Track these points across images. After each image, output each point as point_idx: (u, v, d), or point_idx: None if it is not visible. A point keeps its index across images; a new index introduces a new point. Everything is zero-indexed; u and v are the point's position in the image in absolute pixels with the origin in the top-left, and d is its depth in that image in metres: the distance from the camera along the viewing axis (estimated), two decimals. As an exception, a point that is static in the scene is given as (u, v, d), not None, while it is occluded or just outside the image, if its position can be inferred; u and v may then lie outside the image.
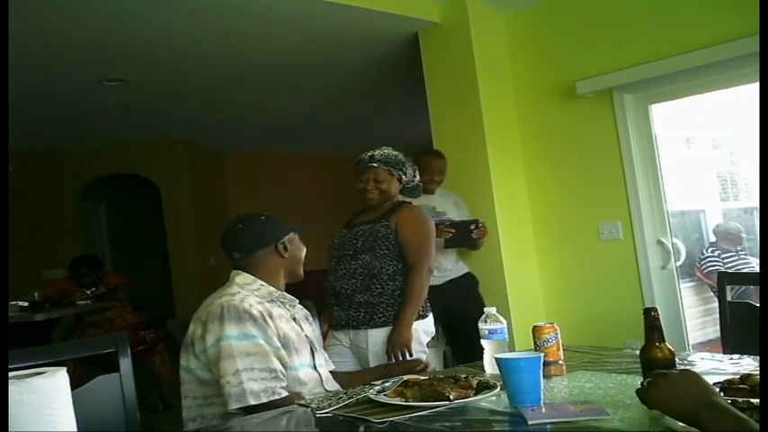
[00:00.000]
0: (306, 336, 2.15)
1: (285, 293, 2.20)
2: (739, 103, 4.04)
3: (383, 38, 4.62)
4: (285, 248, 2.20)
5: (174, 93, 5.74)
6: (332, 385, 2.13)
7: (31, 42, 4.18)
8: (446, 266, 3.81)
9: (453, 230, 3.67)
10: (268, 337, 1.94)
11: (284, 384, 1.91)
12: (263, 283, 2.13)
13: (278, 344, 1.96)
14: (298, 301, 2.25)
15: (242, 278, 2.13)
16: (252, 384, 1.84)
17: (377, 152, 2.94)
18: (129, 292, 5.58)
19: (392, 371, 2.35)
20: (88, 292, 5.47)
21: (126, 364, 1.81)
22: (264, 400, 1.85)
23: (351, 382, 2.34)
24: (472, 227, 3.70)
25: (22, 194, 7.30)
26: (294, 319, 2.14)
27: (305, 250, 2.30)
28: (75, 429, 1.22)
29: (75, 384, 1.25)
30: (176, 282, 7.61)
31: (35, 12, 3.77)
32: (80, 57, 4.57)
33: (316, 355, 2.15)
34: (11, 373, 1.21)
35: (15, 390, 1.14)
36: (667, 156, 4.07)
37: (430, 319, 2.94)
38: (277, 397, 1.87)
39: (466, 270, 3.91)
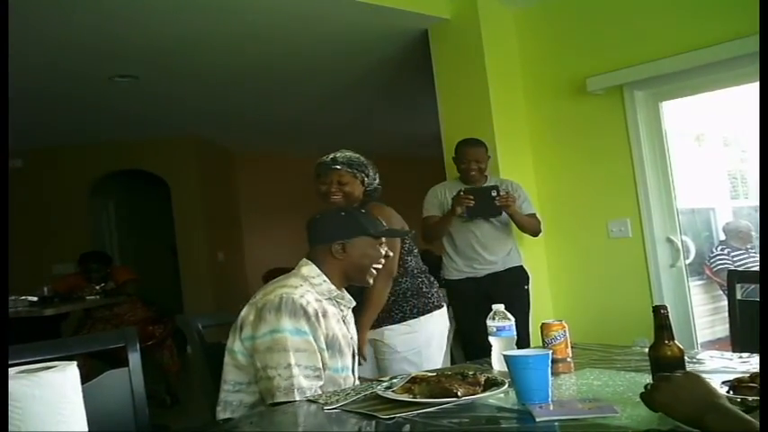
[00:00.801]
0: (351, 338, 2.13)
1: (344, 293, 2.11)
2: (750, 100, 4.01)
3: (393, 35, 4.61)
4: (343, 250, 2.07)
5: (184, 90, 5.75)
6: None
7: (43, 39, 4.20)
8: (488, 258, 3.76)
9: (472, 197, 3.58)
10: (317, 335, 1.92)
11: (322, 384, 1.91)
12: (326, 279, 2.06)
13: (323, 344, 1.94)
14: (354, 304, 2.18)
15: (308, 269, 2.07)
16: (301, 380, 1.84)
17: (338, 154, 2.89)
18: (138, 288, 5.61)
19: None
20: (97, 287, 5.50)
21: (135, 358, 1.82)
22: (309, 396, 1.83)
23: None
24: (494, 193, 3.60)
25: (32, 190, 7.35)
26: (344, 321, 2.11)
27: (378, 258, 2.13)
28: (85, 423, 1.22)
29: (84, 379, 1.26)
30: (185, 277, 7.63)
31: (47, 9, 3.79)
32: (91, 53, 4.59)
33: (356, 360, 2.14)
34: (21, 367, 1.22)
35: (26, 384, 1.15)
36: (678, 153, 4.05)
37: (444, 311, 2.94)
38: (317, 396, 1.85)
39: (516, 263, 3.81)
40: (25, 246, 6.84)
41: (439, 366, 2.80)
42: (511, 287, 3.73)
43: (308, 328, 1.90)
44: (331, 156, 2.91)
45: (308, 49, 4.83)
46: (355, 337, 2.18)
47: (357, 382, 2.11)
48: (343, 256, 2.07)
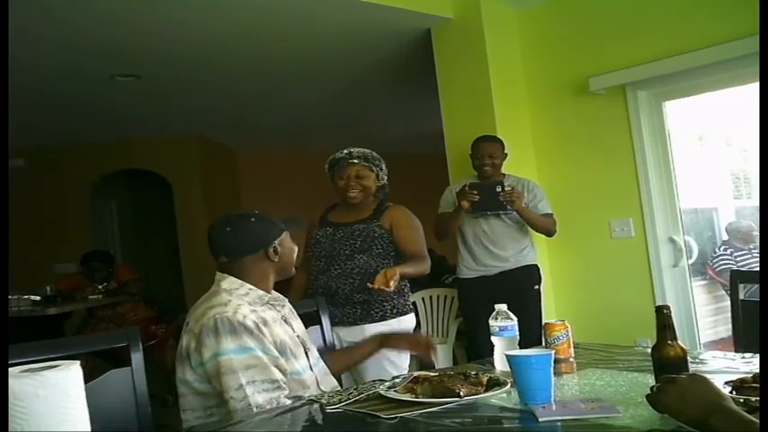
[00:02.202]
0: (297, 336, 2.09)
1: (275, 295, 2.12)
2: (753, 100, 4.00)
3: (396, 34, 4.61)
4: (276, 252, 2.08)
5: (186, 89, 5.75)
6: (327, 384, 2.09)
7: (45, 38, 4.20)
8: (499, 254, 3.76)
9: (476, 192, 3.58)
10: (265, 347, 1.87)
11: (287, 393, 1.87)
12: (251, 287, 2.03)
13: (275, 353, 1.90)
14: (287, 300, 2.19)
15: (228, 283, 2.03)
16: (257, 397, 1.80)
17: (354, 150, 2.95)
18: (140, 288, 5.61)
19: (393, 342, 2.40)
20: (100, 286, 5.51)
21: (138, 358, 1.83)
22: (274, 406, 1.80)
23: (349, 354, 2.44)
24: (498, 189, 3.59)
25: (34, 190, 7.36)
26: (285, 321, 2.07)
27: (297, 249, 2.20)
28: (88, 423, 1.22)
29: (87, 378, 1.26)
30: (187, 277, 7.64)
31: (48, 8, 3.79)
32: (93, 52, 4.59)
33: (309, 354, 2.10)
34: (24, 366, 1.22)
35: (30, 383, 1.15)
36: (680, 153, 4.05)
37: (411, 317, 2.97)
38: (319, 396, 1.84)
39: (529, 262, 3.81)
40: (28, 245, 6.85)
41: (405, 369, 2.82)
42: (522, 285, 3.74)
43: (253, 343, 1.85)
44: (346, 151, 2.96)
45: (310, 49, 4.83)
46: (301, 331, 2.15)
47: (322, 377, 2.08)
48: (277, 258, 2.08)
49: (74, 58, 4.69)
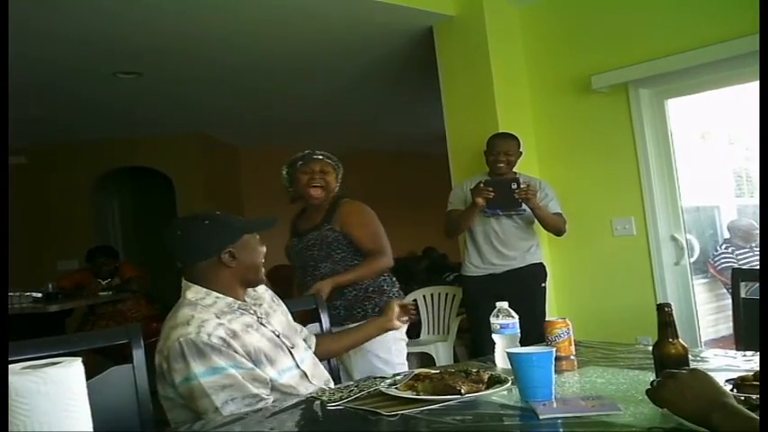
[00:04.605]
0: (278, 335, 1.97)
1: (246, 300, 1.98)
2: (756, 98, 4.00)
3: (398, 32, 4.61)
4: (233, 257, 1.92)
5: (188, 86, 5.75)
6: (319, 378, 2.03)
7: (47, 36, 4.20)
8: (508, 253, 3.75)
9: (491, 189, 3.55)
10: (237, 363, 1.78)
11: (271, 400, 1.80)
12: (218, 295, 1.90)
13: (250, 365, 1.80)
14: (267, 292, 2.10)
15: (193, 292, 1.91)
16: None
17: (314, 150, 2.98)
18: (142, 285, 5.62)
19: (391, 324, 2.37)
20: (104, 282, 5.52)
21: (139, 355, 1.82)
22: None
23: (349, 336, 2.43)
24: (513, 185, 3.56)
25: (36, 187, 7.36)
26: (261, 323, 1.95)
27: (263, 252, 2.01)
28: (90, 419, 1.23)
29: (88, 375, 1.26)
30: (189, 274, 7.63)
31: (49, 5, 3.79)
32: (95, 50, 4.59)
33: (294, 351, 1.99)
34: (27, 363, 1.22)
35: (32, 379, 1.15)
36: (682, 151, 4.04)
37: None
38: (320, 393, 1.80)
39: (535, 261, 3.81)
40: (30, 242, 6.86)
41: (404, 363, 2.85)
42: (528, 283, 3.74)
43: (224, 362, 1.76)
44: (307, 150, 2.98)
45: (312, 46, 4.83)
46: (283, 326, 2.05)
47: (312, 371, 2.02)
48: (235, 264, 1.93)
49: (76, 55, 4.69)
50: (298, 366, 1.98)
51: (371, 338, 2.47)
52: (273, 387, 1.86)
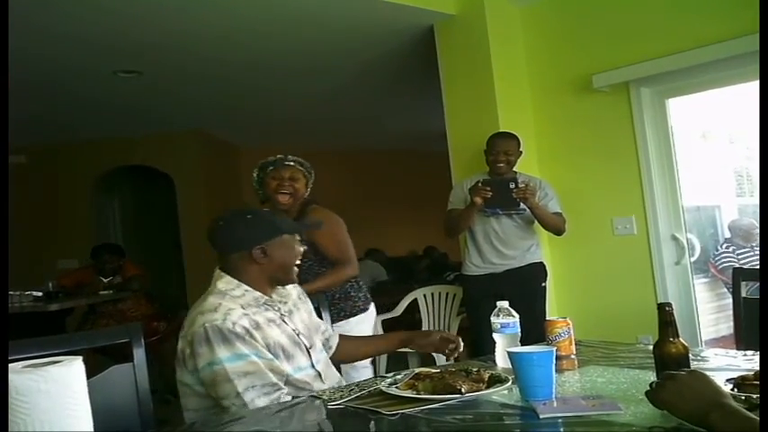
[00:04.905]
0: (298, 334, 2.02)
1: (273, 297, 2.03)
2: (757, 97, 4.00)
3: (399, 30, 4.61)
4: (264, 254, 1.97)
5: (188, 85, 5.75)
6: (331, 379, 2.06)
7: (47, 33, 4.20)
8: (507, 253, 3.75)
9: (489, 188, 3.55)
10: (259, 352, 1.83)
11: (286, 392, 1.85)
12: (248, 288, 1.96)
13: (269, 356, 1.86)
14: (296, 290, 2.14)
15: (224, 282, 1.97)
16: (257, 402, 1.78)
17: (288, 155, 2.97)
18: (143, 284, 5.62)
19: (416, 344, 2.30)
20: (105, 280, 5.52)
21: (140, 354, 1.83)
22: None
23: (369, 344, 2.45)
24: (512, 185, 3.55)
25: (37, 186, 7.37)
26: (284, 320, 2.00)
27: (299, 253, 2.06)
28: (90, 418, 1.23)
29: (88, 374, 1.26)
30: (189, 273, 7.64)
31: (50, 3, 3.79)
32: (95, 48, 4.59)
33: (312, 351, 2.04)
34: (27, 362, 1.22)
35: (33, 378, 1.15)
36: (683, 150, 4.04)
37: (369, 313, 3.03)
38: (321, 392, 1.82)
39: (535, 260, 3.80)
40: (30, 241, 6.86)
41: (368, 368, 2.87)
42: (530, 282, 3.74)
43: (247, 349, 1.81)
44: (278, 155, 2.98)
45: (312, 45, 4.83)
46: (304, 326, 2.08)
47: (325, 373, 2.05)
48: (266, 261, 1.97)
49: (76, 54, 4.69)
50: (313, 366, 2.02)
51: (394, 350, 2.47)
52: (288, 381, 1.89)
